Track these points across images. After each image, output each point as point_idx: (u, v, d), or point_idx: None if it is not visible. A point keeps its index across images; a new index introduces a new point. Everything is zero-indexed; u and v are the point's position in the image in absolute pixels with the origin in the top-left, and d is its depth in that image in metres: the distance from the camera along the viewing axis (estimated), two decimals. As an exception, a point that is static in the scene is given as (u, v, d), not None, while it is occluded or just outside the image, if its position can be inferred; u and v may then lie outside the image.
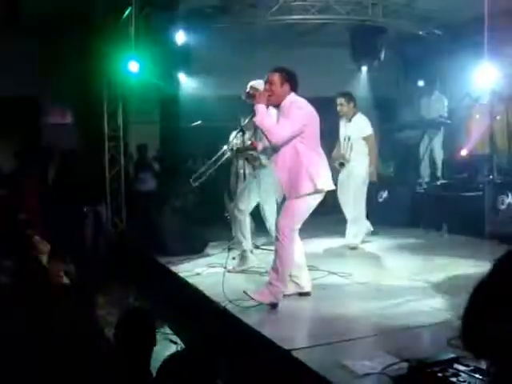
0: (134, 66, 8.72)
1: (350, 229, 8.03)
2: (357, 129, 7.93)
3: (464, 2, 10.18)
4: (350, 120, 7.98)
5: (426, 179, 10.33)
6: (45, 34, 10.31)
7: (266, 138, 5.08)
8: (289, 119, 4.92)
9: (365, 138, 7.94)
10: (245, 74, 11.87)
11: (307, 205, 5.04)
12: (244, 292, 4.99)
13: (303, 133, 4.96)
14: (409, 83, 12.81)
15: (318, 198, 5.08)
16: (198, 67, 11.14)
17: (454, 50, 12.40)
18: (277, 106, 5.12)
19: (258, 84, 6.59)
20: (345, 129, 8.02)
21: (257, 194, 6.77)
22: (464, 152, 10.63)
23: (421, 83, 12.31)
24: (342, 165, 7.98)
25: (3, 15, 10.07)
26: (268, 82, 5.12)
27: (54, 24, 9.59)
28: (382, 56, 10.53)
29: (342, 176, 7.98)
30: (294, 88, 5.13)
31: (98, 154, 11.02)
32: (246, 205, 6.75)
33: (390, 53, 12.93)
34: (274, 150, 5.15)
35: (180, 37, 9.47)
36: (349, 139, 7.93)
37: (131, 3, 8.17)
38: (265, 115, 4.97)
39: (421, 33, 10.99)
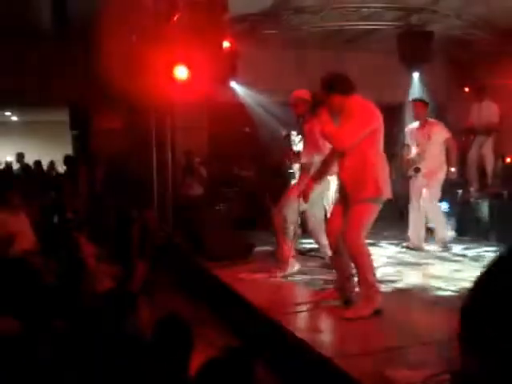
0: (181, 72, 8.79)
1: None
2: (435, 133, 7.97)
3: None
4: (423, 125, 8.05)
5: (475, 187, 10.15)
6: (92, 38, 10.52)
7: (333, 146, 5.05)
8: (355, 122, 4.82)
9: (445, 141, 7.99)
10: (293, 80, 12.03)
11: (372, 210, 4.91)
12: (341, 317, 4.84)
13: (371, 136, 4.85)
14: (459, 89, 12.62)
15: (380, 205, 4.98)
16: (245, 73, 11.20)
17: (505, 55, 12.20)
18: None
19: (304, 94, 6.64)
20: (418, 133, 8.08)
21: None
22: (509, 159, 10.45)
23: (470, 89, 12.12)
24: (418, 170, 8.03)
25: (50, 18, 10.33)
26: (318, 104, 5.12)
27: (102, 29, 9.75)
28: (431, 61, 10.40)
29: (416, 177, 8.10)
30: (346, 91, 4.96)
31: (146, 159, 11.16)
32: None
33: (441, 58, 12.82)
34: (338, 154, 5.07)
35: (228, 43, 9.53)
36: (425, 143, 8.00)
37: (179, 8, 8.24)
38: (327, 125, 4.92)
39: (471, 38, 10.82)
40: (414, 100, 8.34)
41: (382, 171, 4.91)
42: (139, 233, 10.50)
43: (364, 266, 4.86)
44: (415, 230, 8.18)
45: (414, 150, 8.17)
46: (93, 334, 3.34)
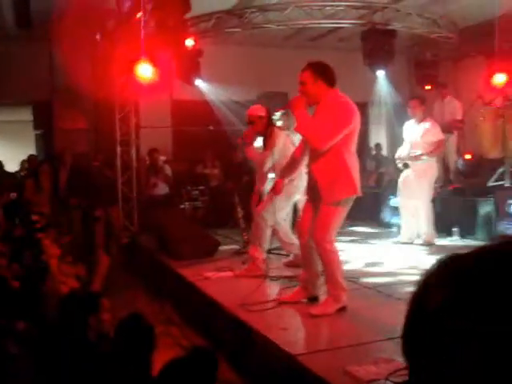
0: (145, 70, 8.73)
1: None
2: (427, 132, 8.14)
3: (477, 6, 10.20)
4: (419, 123, 8.20)
5: (439, 184, 10.26)
6: (55, 37, 10.42)
7: (310, 144, 4.87)
8: (334, 121, 4.66)
9: (436, 142, 8.14)
10: (256, 79, 12.06)
11: (343, 211, 4.89)
12: (306, 314, 4.83)
13: (347, 135, 4.73)
14: (421, 87, 12.77)
15: (350, 205, 4.96)
16: (209, 71, 11.19)
17: (466, 54, 12.41)
18: (314, 104, 4.88)
19: (259, 110, 6.67)
20: (413, 131, 8.23)
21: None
22: (468, 156, 10.63)
23: (432, 87, 12.29)
24: (406, 166, 8.20)
25: (12, 16, 10.20)
26: (300, 83, 4.84)
27: (65, 27, 9.65)
28: (394, 59, 10.50)
29: (406, 174, 8.26)
30: (331, 82, 4.83)
31: (110, 158, 11.09)
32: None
33: (403, 56, 12.98)
34: (312, 153, 4.96)
35: (191, 41, 9.51)
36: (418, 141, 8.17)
37: (142, 7, 8.19)
38: (305, 122, 4.76)
39: (432, 36, 10.96)
40: (410, 98, 8.54)
41: (356, 171, 4.87)
42: (103, 232, 10.43)
43: (332, 265, 4.87)
44: (405, 224, 8.35)
45: (407, 146, 8.33)
46: (56, 337, 3.31)
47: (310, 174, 5.08)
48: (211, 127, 12.11)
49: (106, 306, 3.89)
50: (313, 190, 5.02)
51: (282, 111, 5.34)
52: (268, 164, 6.63)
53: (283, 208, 6.70)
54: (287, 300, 5.32)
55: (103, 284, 5.07)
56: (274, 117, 5.75)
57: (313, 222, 4.96)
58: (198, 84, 11.54)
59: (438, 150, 8.20)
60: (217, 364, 2.73)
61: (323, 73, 4.83)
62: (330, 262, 4.88)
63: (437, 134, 8.19)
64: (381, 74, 11.64)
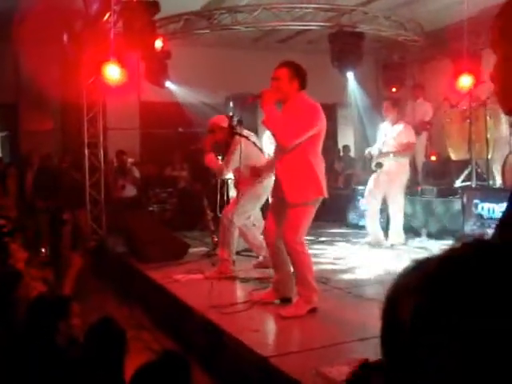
0: (113, 72, 8.66)
1: None
2: (400, 134, 8.23)
3: (443, 9, 10.33)
4: (392, 125, 8.32)
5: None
6: (21, 37, 10.27)
7: (276, 140, 4.89)
8: (301, 121, 4.69)
9: (407, 144, 8.21)
10: (224, 80, 12.04)
11: (311, 212, 4.89)
12: (277, 316, 4.82)
13: (313, 137, 4.77)
14: (388, 89, 12.89)
15: (317, 205, 4.97)
16: (177, 73, 11.14)
17: (432, 56, 12.55)
18: (282, 102, 4.91)
19: (221, 120, 6.73)
20: (386, 132, 8.34)
21: None
22: (433, 157, 10.76)
23: (400, 89, 12.42)
24: (379, 165, 8.26)
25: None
26: (274, 78, 4.87)
27: (31, 29, 9.53)
28: (362, 62, 10.58)
29: (377, 176, 8.32)
30: (302, 85, 4.89)
31: (77, 160, 10.97)
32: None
33: (371, 59, 13.08)
34: (277, 153, 5.00)
35: (160, 42, 9.45)
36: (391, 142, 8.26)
37: (110, 8, 8.12)
38: (274, 117, 4.76)
39: (399, 39, 11.07)
40: (383, 100, 8.79)
41: (322, 172, 4.89)
42: (71, 234, 10.33)
43: (303, 267, 4.87)
44: (374, 225, 8.38)
45: (379, 146, 8.42)
46: (24, 343, 3.25)
47: (275, 174, 5.09)
48: (180, 129, 12.07)
49: (76, 310, 3.83)
50: (277, 190, 5.04)
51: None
52: (225, 172, 6.69)
53: (251, 209, 6.72)
54: (259, 299, 5.31)
55: (73, 288, 5.00)
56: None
57: (278, 223, 4.98)
58: (168, 86, 11.46)
59: (405, 151, 8.25)
60: (189, 368, 2.71)
61: (299, 74, 4.89)
62: (300, 263, 4.88)
63: (409, 137, 8.26)
64: (350, 75, 11.72)
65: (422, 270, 0.82)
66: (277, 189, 5.05)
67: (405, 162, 8.35)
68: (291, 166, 4.81)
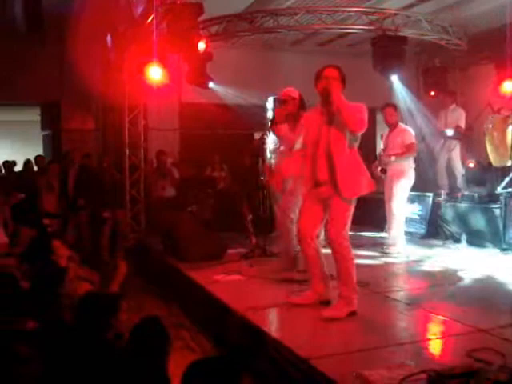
0: (156, 73, 8.76)
1: None
2: (400, 135, 8.18)
3: (487, 13, 10.22)
4: (393, 129, 8.26)
5: (446, 190, 10.26)
6: (66, 37, 10.46)
7: (350, 124, 4.81)
8: (363, 114, 4.80)
9: (407, 146, 8.11)
10: (265, 83, 12.08)
11: (353, 208, 4.95)
12: (318, 317, 4.82)
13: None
14: (427, 93, 12.79)
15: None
16: (217, 75, 11.21)
17: (475, 61, 12.42)
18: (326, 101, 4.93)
19: (292, 92, 6.71)
20: (387, 137, 8.32)
21: None
22: (472, 164, 10.62)
23: (439, 94, 12.30)
24: (384, 171, 8.24)
25: (23, 15, 10.22)
26: (328, 78, 4.93)
27: (76, 28, 9.70)
28: (404, 66, 10.52)
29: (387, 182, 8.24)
30: (342, 90, 4.98)
31: (117, 159, 11.11)
32: None
33: (411, 64, 12.98)
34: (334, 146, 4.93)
35: (202, 44, 9.52)
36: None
37: (154, 10, 8.21)
38: (345, 103, 4.78)
39: (442, 43, 10.98)
40: (384, 106, 8.47)
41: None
42: (110, 233, 10.46)
43: (348, 263, 4.91)
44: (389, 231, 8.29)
45: (381, 152, 8.43)
46: (73, 337, 3.32)
47: (321, 169, 5.00)
48: (220, 130, 12.15)
49: (124, 307, 3.92)
50: (318, 187, 5.02)
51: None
52: (297, 145, 6.63)
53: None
54: (298, 302, 5.32)
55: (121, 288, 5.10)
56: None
57: (314, 220, 5.07)
58: (212, 87, 11.45)
59: (407, 152, 8.10)
60: (241, 375, 2.70)
61: (343, 80, 5.01)
62: (345, 259, 4.90)
63: (409, 138, 8.17)
64: (395, 79, 11.63)
65: None
66: (318, 184, 5.03)
67: (406, 166, 8.15)
68: (346, 161, 4.88)
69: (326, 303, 5.21)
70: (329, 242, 4.97)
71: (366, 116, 4.80)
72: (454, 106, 10.78)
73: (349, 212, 4.92)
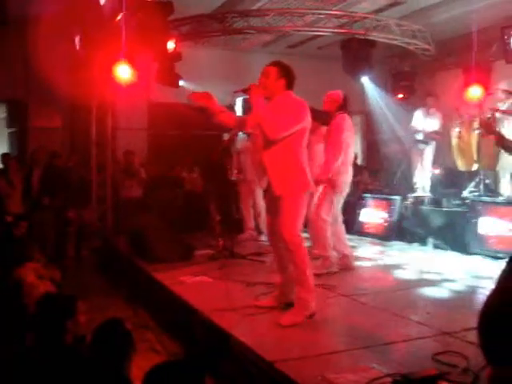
0: (124, 72, 8.68)
1: None
2: None
3: (455, 20, 10.34)
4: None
5: (415, 193, 10.32)
6: (31, 34, 10.30)
7: (264, 131, 4.80)
8: (288, 115, 4.74)
9: None
10: (234, 84, 12.03)
11: (302, 204, 4.88)
12: (281, 325, 4.73)
13: (300, 132, 4.82)
14: (395, 96, 12.88)
15: (307, 197, 5.00)
16: (187, 74, 11.14)
17: (443, 66, 12.55)
18: (267, 99, 4.92)
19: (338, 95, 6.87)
20: None
21: None
22: (437, 170, 10.70)
23: (408, 96, 12.41)
24: None
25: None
26: (263, 74, 4.95)
27: (42, 25, 9.55)
28: (373, 69, 10.61)
29: None
30: (289, 85, 4.95)
31: (85, 158, 10.98)
32: None
33: (380, 67, 13.07)
34: (265, 146, 4.92)
35: (172, 43, 9.46)
36: None
37: (124, 8, 8.14)
38: (262, 109, 4.77)
39: (410, 48, 11.08)
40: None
41: (307, 166, 4.94)
42: (76, 234, 10.33)
43: (302, 261, 4.83)
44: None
45: None
46: (35, 341, 3.26)
47: (264, 168, 5.04)
48: (188, 131, 12.08)
49: (82, 308, 3.84)
50: (268, 185, 5.08)
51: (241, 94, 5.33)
52: None
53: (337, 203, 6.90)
54: (263, 305, 5.30)
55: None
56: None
57: (274, 220, 5.01)
58: (183, 85, 11.37)
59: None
60: (204, 375, 2.67)
61: (287, 74, 4.96)
62: (299, 258, 4.82)
63: None
64: (366, 81, 11.69)
65: None
66: (267, 184, 5.08)
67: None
68: (278, 160, 4.85)
69: (291, 305, 5.15)
70: (281, 241, 4.91)
71: (289, 121, 4.75)
72: (433, 110, 10.75)
73: (294, 209, 4.83)
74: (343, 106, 6.83)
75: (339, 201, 6.90)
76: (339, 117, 6.77)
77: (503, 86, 8.74)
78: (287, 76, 4.95)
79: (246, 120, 5.31)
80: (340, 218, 7.11)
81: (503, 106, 8.61)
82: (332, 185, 6.67)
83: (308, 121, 4.91)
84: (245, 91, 4.91)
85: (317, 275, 5.64)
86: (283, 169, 4.84)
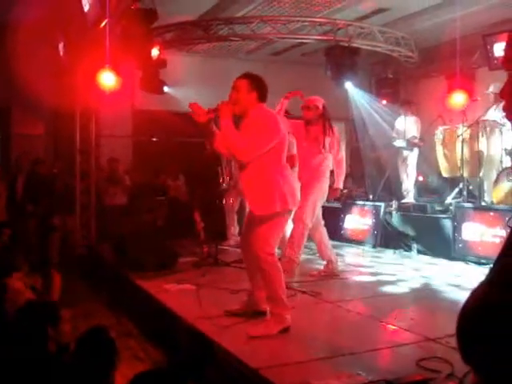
0: (108, 79, 8.66)
1: None
2: None
3: (438, 27, 10.41)
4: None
5: (399, 199, 10.35)
6: (13, 40, 10.23)
7: (234, 155, 4.70)
8: (260, 133, 4.54)
9: None
10: (219, 91, 12.03)
11: (280, 223, 4.72)
12: (248, 335, 4.58)
13: (275, 148, 4.60)
14: (379, 103, 12.93)
15: (288, 216, 4.86)
16: (173, 82, 11.13)
17: (427, 73, 12.63)
18: (240, 115, 4.75)
19: (318, 101, 6.90)
20: None
21: None
22: (421, 177, 10.75)
23: (392, 103, 12.47)
24: None
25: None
26: (233, 88, 4.73)
27: (25, 30, 9.49)
28: (357, 76, 10.65)
29: None
30: (262, 98, 4.72)
31: (69, 166, 10.93)
32: None
33: (364, 74, 13.13)
34: (240, 166, 4.80)
35: (156, 50, 9.45)
36: None
37: (108, 15, 8.11)
38: (230, 131, 4.57)
39: (394, 55, 11.14)
40: None
41: (288, 184, 4.73)
42: (60, 241, 10.26)
43: (274, 281, 4.66)
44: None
45: None
46: (14, 348, 3.22)
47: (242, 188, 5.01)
48: (173, 138, 12.06)
49: (66, 316, 3.81)
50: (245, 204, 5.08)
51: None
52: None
53: (318, 207, 7.02)
54: (232, 311, 5.24)
55: (60, 295, 4.97)
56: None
57: (248, 233, 4.87)
58: (168, 92, 11.33)
59: None
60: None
61: (258, 86, 4.74)
62: (271, 277, 4.66)
63: None
64: (350, 88, 11.73)
65: None
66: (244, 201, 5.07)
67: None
68: (254, 179, 4.68)
69: (261, 314, 5.04)
70: (254, 259, 4.75)
71: (260, 140, 4.56)
72: (412, 117, 10.78)
73: (271, 228, 4.66)
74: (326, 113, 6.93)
75: (320, 205, 7.01)
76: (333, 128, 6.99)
77: (491, 89, 8.77)
78: (259, 88, 4.72)
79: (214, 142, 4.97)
80: (322, 223, 7.14)
81: (494, 110, 8.68)
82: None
83: (282, 135, 4.68)
84: (215, 111, 4.68)
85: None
86: (259, 189, 4.65)
